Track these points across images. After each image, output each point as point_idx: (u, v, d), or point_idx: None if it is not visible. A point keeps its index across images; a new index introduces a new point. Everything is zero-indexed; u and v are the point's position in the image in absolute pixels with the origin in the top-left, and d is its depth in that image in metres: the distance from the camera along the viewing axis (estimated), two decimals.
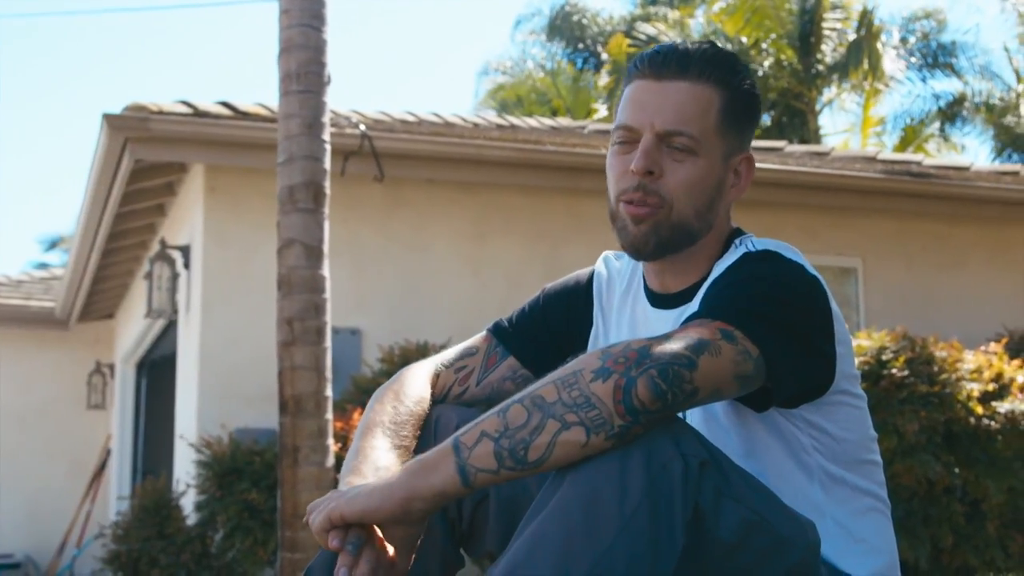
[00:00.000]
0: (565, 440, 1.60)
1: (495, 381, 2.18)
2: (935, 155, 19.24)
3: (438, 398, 2.14)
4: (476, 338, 2.25)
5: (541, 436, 1.60)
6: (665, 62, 1.97)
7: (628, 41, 19.09)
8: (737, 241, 2.03)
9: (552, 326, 2.21)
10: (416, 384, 2.10)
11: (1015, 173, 10.28)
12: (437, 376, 2.17)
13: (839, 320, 1.91)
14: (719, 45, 2.02)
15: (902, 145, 19.77)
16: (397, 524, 1.68)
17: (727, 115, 1.98)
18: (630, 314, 2.14)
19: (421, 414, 2.05)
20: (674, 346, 1.67)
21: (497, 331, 2.24)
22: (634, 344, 1.67)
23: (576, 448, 1.60)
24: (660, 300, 2.07)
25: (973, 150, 35.91)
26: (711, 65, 1.97)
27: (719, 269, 1.96)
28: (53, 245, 29.70)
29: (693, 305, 1.96)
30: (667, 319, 2.02)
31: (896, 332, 6.73)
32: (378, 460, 1.88)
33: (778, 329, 1.77)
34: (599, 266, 2.25)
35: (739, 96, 2.00)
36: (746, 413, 1.90)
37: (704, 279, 2.01)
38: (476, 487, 1.64)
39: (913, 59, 19.96)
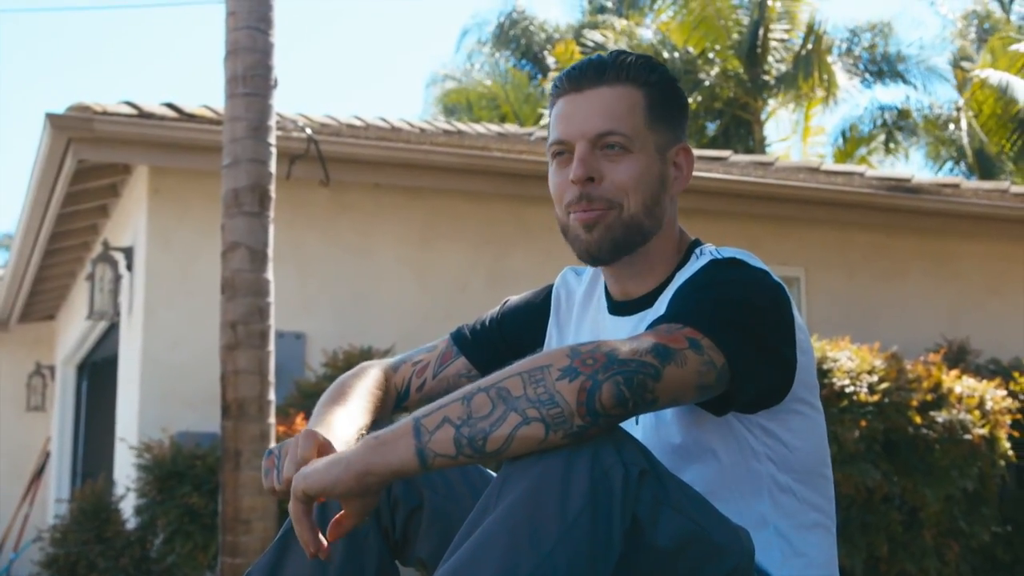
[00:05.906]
0: (524, 435, 1.63)
1: (451, 376, 2.25)
2: (878, 166, 19.44)
3: (401, 389, 2.23)
4: (437, 340, 2.33)
5: (501, 428, 1.63)
6: (583, 74, 2.03)
7: (577, 48, 19.11)
8: (699, 250, 2.06)
9: (508, 337, 2.27)
10: (375, 371, 2.20)
11: (955, 185, 10.41)
12: (395, 369, 2.26)
13: (802, 329, 1.94)
14: (630, 50, 2.06)
15: (845, 156, 19.94)
16: (354, 497, 1.71)
17: (653, 110, 2.02)
18: (591, 323, 2.17)
19: (382, 396, 2.16)
20: (642, 354, 1.69)
21: (457, 337, 2.30)
22: (603, 347, 1.68)
23: (534, 443, 1.63)
24: (619, 307, 2.10)
25: (916, 162, 36.35)
26: (626, 67, 2.02)
27: (683, 277, 1.98)
28: None
29: (654, 311, 1.99)
30: (625, 325, 2.04)
31: (837, 341, 6.81)
32: (336, 425, 1.97)
33: (744, 336, 1.79)
34: (558, 281, 2.29)
35: (660, 90, 2.05)
36: (700, 416, 1.91)
37: (664, 285, 2.03)
38: (433, 469, 1.68)
39: (859, 70, 20.13)
